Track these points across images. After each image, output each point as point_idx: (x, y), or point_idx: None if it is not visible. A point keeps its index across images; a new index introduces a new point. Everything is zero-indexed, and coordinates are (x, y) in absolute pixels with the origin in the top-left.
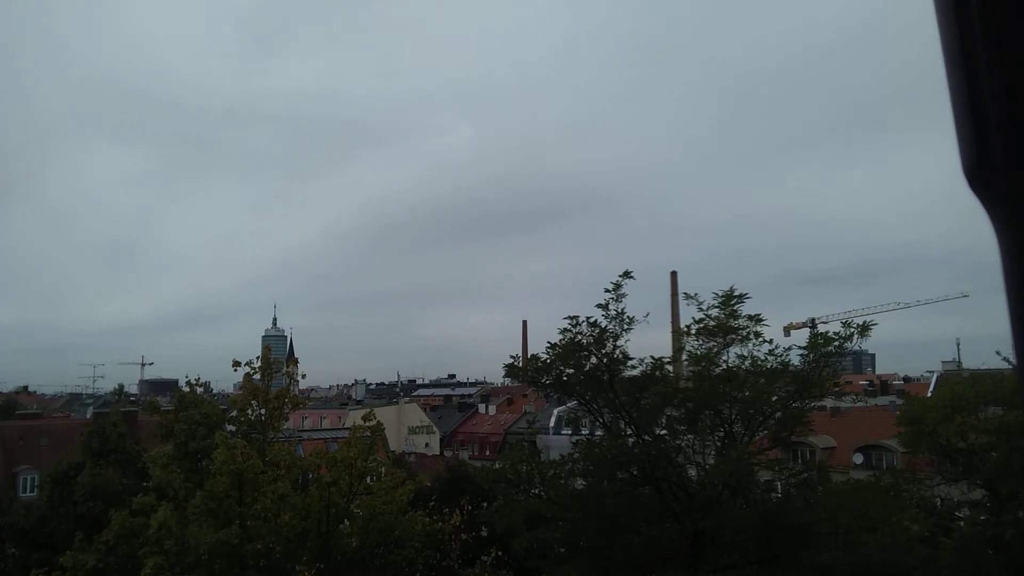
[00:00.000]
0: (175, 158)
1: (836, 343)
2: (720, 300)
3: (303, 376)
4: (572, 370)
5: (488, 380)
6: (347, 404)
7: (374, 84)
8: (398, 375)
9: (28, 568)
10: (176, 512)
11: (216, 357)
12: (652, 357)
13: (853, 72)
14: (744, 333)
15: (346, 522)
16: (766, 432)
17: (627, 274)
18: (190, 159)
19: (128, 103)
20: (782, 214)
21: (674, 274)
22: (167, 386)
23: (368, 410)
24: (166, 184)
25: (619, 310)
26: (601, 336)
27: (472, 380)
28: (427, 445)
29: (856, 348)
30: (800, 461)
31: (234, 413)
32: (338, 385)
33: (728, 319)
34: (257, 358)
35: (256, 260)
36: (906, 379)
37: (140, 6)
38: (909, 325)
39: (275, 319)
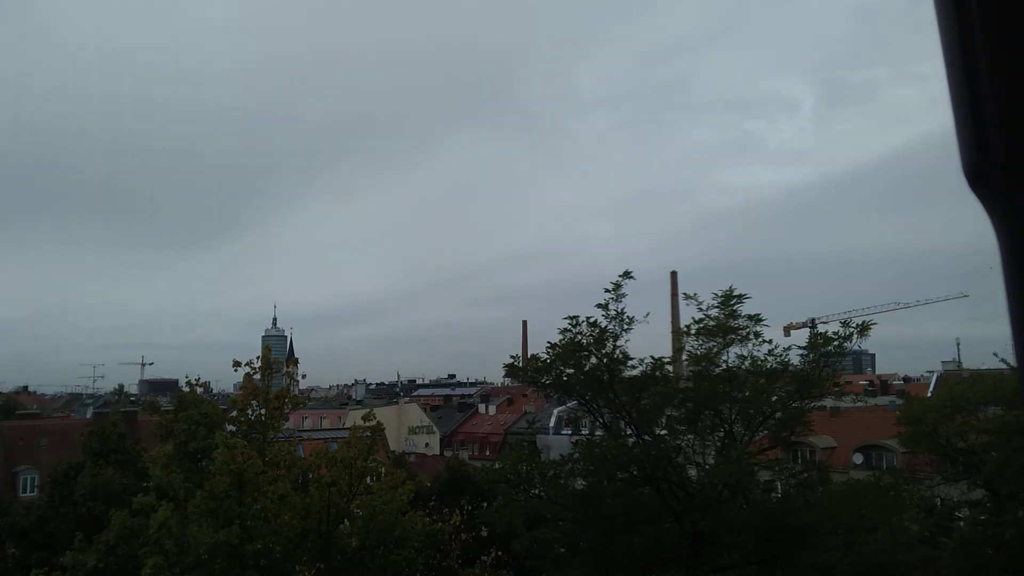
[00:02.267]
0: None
1: (836, 343)
2: (720, 300)
3: (303, 376)
4: (572, 370)
5: (488, 380)
6: (347, 404)
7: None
8: (398, 375)
9: (28, 568)
10: (176, 512)
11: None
12: (652, 357)
13: None
14: (744, 333)
15: (346, 522)
16: (766, 432)
17: (627, 274)
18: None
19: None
20: None
21: (674, 274)
22: (167, 386)
23: (368, 410)
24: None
25: (619, 310)
26: (601, 336)
27: (472, 380)
28: (427, 445)
29: (856, 348)
30: (800, 461)
31: (234, 413)
32: (338, 385)
33: (728, 319)
34: (257, 358)
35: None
36: (906, 379)
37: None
38: (909, 325)
39: (275, 319)
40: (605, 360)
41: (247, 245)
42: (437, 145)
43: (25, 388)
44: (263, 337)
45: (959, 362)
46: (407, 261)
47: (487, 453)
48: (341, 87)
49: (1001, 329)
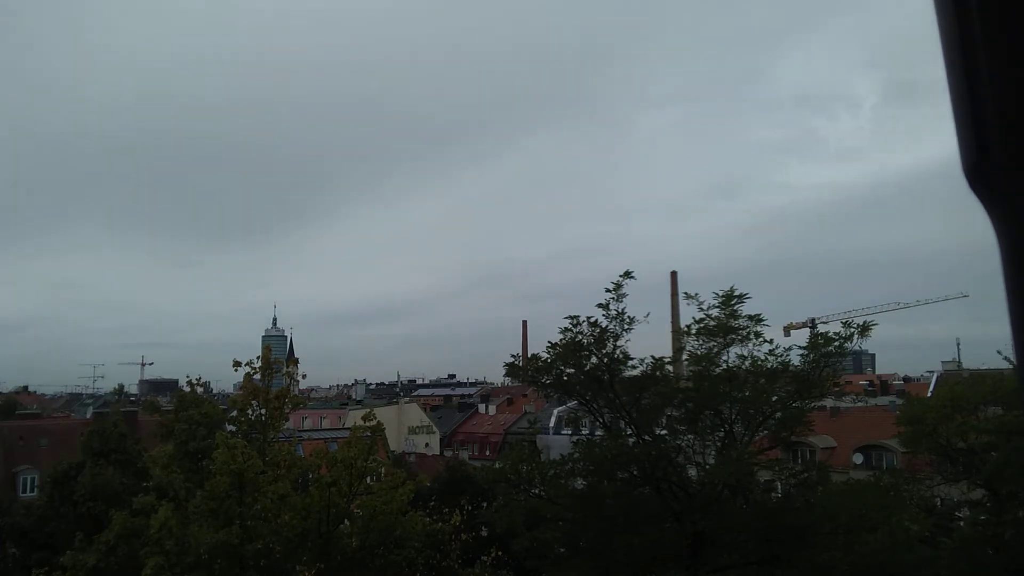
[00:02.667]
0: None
1: (836, 343)
2: (720, 300)
3: (303, 376)
4: (572, 370)
5: (488, 380)
6: (347, 404)
7: None
8: (398, 375)
9: (28, 568)
10: (176, 512)
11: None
12: (652, 357)
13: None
14: (744, 333)
15: (346, 522)
16: (766, 432)
17: (627, 274)
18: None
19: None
20: None
21: (674, 274)
22: (167, 386)
23: (368, 410)
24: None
25: (619, 310)
26: (601, 336)
27: (472, 380)
28: (427, 445)
29: (856, 348)
30: (800, 461)
31: (234, 413)
32: (338, 385)
33: (728, 319)
34: (257, 358)
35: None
36: (906, 379)
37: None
38: (909, 325)
39: (275, 319)
40: (605, 360)
41: (289, 245)
42: (505, 145)
43: (25, 388)
44: (263, 337)
45: (959, 362)
46: (458, 259)
47: (487, 453)
48: (401, 88)
49: (1001, 329)
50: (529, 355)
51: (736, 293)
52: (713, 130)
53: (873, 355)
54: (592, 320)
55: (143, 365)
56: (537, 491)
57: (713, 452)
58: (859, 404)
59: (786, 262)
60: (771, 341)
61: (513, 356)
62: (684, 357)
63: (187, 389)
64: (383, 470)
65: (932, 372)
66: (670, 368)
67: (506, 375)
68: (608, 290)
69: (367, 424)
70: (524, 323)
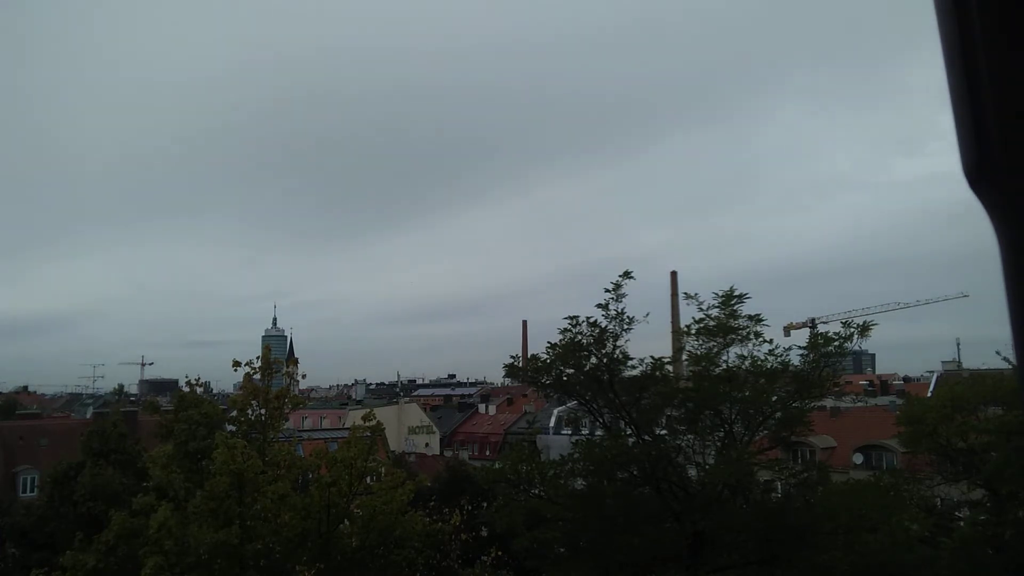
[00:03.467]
0: None
1: (836, 343)
2: (720, 300)
3: (303, 376)
4: (572, 370)
5: (488, 380)
6: (347, 404)
7: None
8: (398, 375)
9: (28, 568)
10: (176, 512)
11: None
12: (652, 357)
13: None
14: (744, 333)
15: (346, 522)
16: (766, 432)
17: (627, 274)
18: None
19: None
20: None
21: (674, 274)
22: (167, 386)
23: (368, 410)
24: None
25: (619, 310)
26: (601, 336)
27: (472, 380)
28: (427, 445)
29: (856, 348)
30: (800, 461)
31: (234, 413)
32: (338, 385)
33: (728, 319)
34: (257, 358)
35: None
36: (906, 379)
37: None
38: (909, 325)
39: (275, 319)
40: (605, 360)
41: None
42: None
43: (25, 388)
44: (263, 337)
45: (959, 362)
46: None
47: (487, 453)
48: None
49: (1001, 329)
50: (529, 355)
51: (736, 293)
52: (839, 122)
53: (873, 355)
54: (591, 320)
55: (143, 365)
56: (537, 491)
57: (713, 452)
58: (859, 404)
59: (883, 264)
60: (771, 341)
61: (513, 356)
62: (684, 357)
63: (187, 389)
64: (383, 470)
65: (932, 372)
66: (670, 368)
67: (506, 375)
68: (607, 290)
69: (367, 424)
70: (524, 323)
